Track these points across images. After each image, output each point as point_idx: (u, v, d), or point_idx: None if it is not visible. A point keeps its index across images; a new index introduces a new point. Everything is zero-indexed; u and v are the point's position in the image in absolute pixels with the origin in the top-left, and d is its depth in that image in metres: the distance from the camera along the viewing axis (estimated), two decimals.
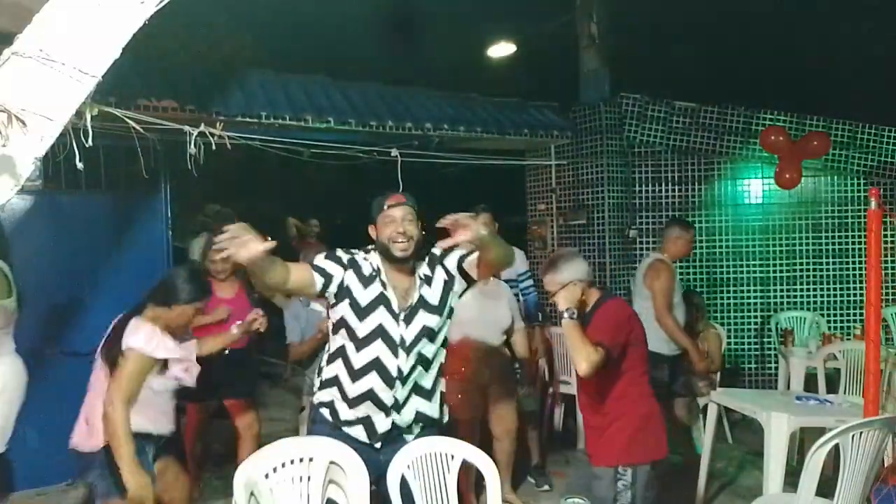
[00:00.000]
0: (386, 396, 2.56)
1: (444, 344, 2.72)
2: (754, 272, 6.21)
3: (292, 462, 2.48)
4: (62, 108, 1.89)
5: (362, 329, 2.54)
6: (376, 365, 2.55)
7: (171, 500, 3.13)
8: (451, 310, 2.69)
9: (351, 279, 2.55)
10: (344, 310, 2.55)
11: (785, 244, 6.22)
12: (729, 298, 6.21)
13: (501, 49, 8.53)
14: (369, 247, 2.65)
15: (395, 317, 2.56)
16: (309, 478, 2.49)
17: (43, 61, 1.84)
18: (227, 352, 3.85)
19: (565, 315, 2.75)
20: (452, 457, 2.71)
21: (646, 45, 7.45)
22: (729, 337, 5.93)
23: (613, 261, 6.07)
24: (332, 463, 2.51)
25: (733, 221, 6.22)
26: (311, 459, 2.49)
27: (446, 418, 2.79)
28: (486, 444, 3.87)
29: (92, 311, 4.34)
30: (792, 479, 3.17)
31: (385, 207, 2.55)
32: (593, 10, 6.29)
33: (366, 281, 2.56)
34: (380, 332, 2.55)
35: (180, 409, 3.80)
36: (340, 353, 2.60)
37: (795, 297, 6.23)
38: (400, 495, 2.55)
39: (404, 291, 2.60)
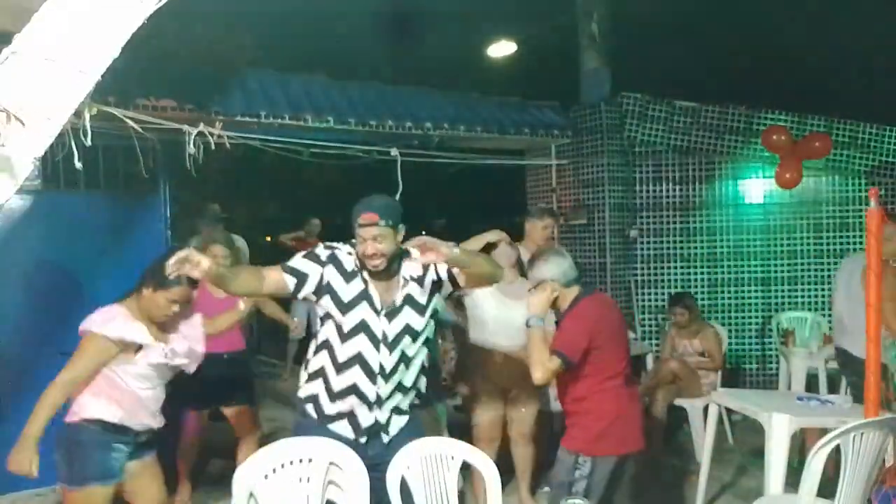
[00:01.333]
0: (369, 391, 2.57)
1: (428, 344, 2.73)
2: (755, 272, 6.21)
3: (292, 463, 2.48)
4: (61, 107, 1.88)
5: (346, 323, 2.55)
6: (359, 360, 2.56)
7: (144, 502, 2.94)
8: (436, 311, 2.71)
9: (331, 275, 2.54)
10: (327, 304, 2.55)
11: (786, 244, 6.22)
12: (730, 298, 6.21)
13: (502, 48, 8.51)
14: (354, 240, 2.60)
15: (378, 313, 2.56)
16: (308, 479, 2.49)
17: (42, 61, 1.83)
18: (224, 356, 3.80)
19: (529, 321, 2.83)
20: (452, 457, 2.71)
21: (646, 44, 7.44)
22: (730, 337, 5.93)
23: (614, 261, 6.06)
24: (331, 464, 2.50)
25: (734, 221, 6.21)
26: (310, 460, 2.49)
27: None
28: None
29: (91, 311, 4.32)
30: (793, 479, 3.16)
31: (357, 226, 2.50)
32: (594, 9, 6.29)
33: (348, 276, 2.55)
34: (362, 327, 2.55)
35: (177, 414, 3.73)
36: (326, 344, 2.61)
37: (796, 297, 6.22)
38: (400, 495, 2.55)
39: (386, 289, 2.59)
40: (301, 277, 2.50)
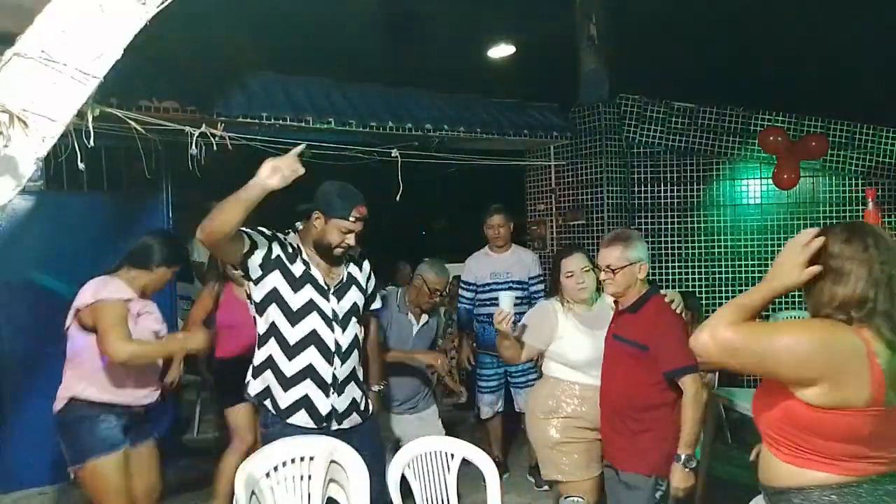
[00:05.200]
0: (325, 372, 2.56)
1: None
2: (753, 272, 6.22)
3: (293, 461, 2.50)
4: (64, 108, 1.90)
5: (296, 302, 2.54)
6: (313, 338, 2.55)
7: (141, 489, 2.99)
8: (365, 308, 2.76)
9: (279, 251, 2.56)
10: (276, 281, 2.53)
11: (783, 244, 6.21)
12: (728, 298, 6.22)
13: (501, 50, 8.54)
14: (288, 231, 2.67)
15: (325, 293, 2.58)
16: (309, 476, 2.50)
17: (44, 62, 1.85)
18: None
19: (685, 465, 2.51)
20: (452, 456, 2.73)
21: (645, 45, 7.46)
22: None
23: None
24: (332, 462, 2.52)
25: (732, 222, 6.23)
26: (311, 458, 2.51)
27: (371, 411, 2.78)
28: None
29: None
30: None
31: (351, 219, 2.54)
32: (592, 11, 6.31)
33: (290, 256, 2.58)
34: (312, 307, 2.56)
35: None
36: (273, 331, 2.56)
37: (793, 296, 6.23)
38: (400, 494, 2.57)
39: (327, 269, 2.64)
40: (254, 242, 2.49)
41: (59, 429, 2.85)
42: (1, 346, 4.25)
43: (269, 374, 2.57)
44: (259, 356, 2.61)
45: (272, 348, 2.56)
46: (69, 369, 2.89)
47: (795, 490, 1.61)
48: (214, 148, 3.44)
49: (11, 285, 4.25)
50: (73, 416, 2.80)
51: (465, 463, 2.77)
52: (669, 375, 2.55)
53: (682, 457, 2.51)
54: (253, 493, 2.39)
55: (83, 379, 2.84)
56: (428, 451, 2.73)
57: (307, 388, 2.55)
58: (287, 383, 2.55)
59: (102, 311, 2.74)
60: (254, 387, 2.62)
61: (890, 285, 1.57)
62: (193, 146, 3.46)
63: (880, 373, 1.52)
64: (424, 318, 3.76)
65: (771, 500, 1.69)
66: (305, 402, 2.56)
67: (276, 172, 2.24)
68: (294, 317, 2.54)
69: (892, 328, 1.54)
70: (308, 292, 2.55)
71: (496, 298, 4.41)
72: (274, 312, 2.55)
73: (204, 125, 3.43)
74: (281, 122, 4.88)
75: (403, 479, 2.68)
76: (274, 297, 2.54)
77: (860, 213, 6.00)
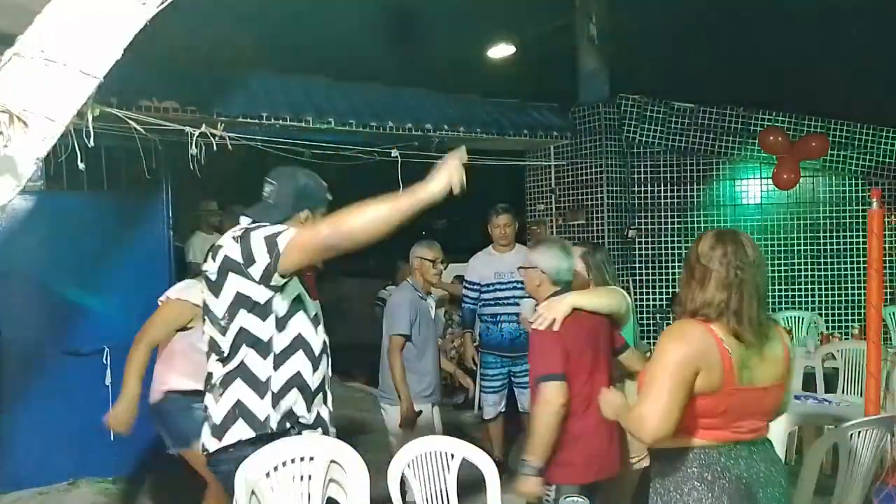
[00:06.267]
0: (311, 380, 2.30)
1: None
2: None
3: (293, 461, 2.47)
4: (64, 108, 1.90)
5: (311, 308, 2.30)
6: (323, 348, 2.34)
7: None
8: None
9: None
10: (297, 287, 2.26)
11: (783, 244, 6.24)
12: None
13: (501, 50, 8.54)
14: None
15: (306, 287, 2.32)
16: (310, 476, 2.49)
17: (45, 62, 1.85)
18: None
19: (523, 470, 2.51)
20: (452, 456, 2.72)
21: (645, 45, 7.47)
22: None
23: (613, 261, 6.08)
24: (332, 462, 2.51)
25: (732, 222, 6.23)
26: (311, 458, 2.49)
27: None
28: None
29: (93, 310, 4.35)
30: (791, 478, 3.17)
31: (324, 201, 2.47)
32: (592, 10, 6.32)
33: None
34: (319, 315, 2.35)
35: None
36: (300, 343, 2.27)
37: (793, 296, 6.24)
38: (400, 495, 2.56)
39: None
40: None
41: (156, 417, 3.10)
42: (1, 346, 4.24)
43: (294, 393, 2.27)
44: (281, 377, 2.23)
45: (300, 363, 2.26)
46: (159, 363, 3.12)
47: (675, 452, 1.95)
48: (214, 148, 3.45)
49: (12, 285, 4.24)
50: (171, 406, 3.05)
51: (465, 463, 2.76)
52: (536, 383, 2.54)
53: (523, 462, 2.52)
54: (253, 492, 2.38)
55: (174, 371, 3.06)
56: (428, 451, 2.71)
57: (319, 404, 2.37)
58: (310, 400, 2.31)
59: (161, 307, 3.03)
60: (275, 417, 2.25)
61: (741, 288, 1.87)
62: (193, 146, 3.46)
63: (729, 357, 1.86)
64: (430, 298, 3.86)
65: (656, 459, 2.04)
66: (320, 421, 2.40)
67: (450, 184, 2.01)
68: (315, 324, 2.32)
69: (738, 321, 1.87)
70: (294, 286, 2.25)
71: (500, 298, 4.51)
72: (302, 322, 2.27)
73: (204, 125, 3.44)
74: (281, 122, 4.88)
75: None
76: (300, 303, 2.27)
77: (860, 213, 6.01)
